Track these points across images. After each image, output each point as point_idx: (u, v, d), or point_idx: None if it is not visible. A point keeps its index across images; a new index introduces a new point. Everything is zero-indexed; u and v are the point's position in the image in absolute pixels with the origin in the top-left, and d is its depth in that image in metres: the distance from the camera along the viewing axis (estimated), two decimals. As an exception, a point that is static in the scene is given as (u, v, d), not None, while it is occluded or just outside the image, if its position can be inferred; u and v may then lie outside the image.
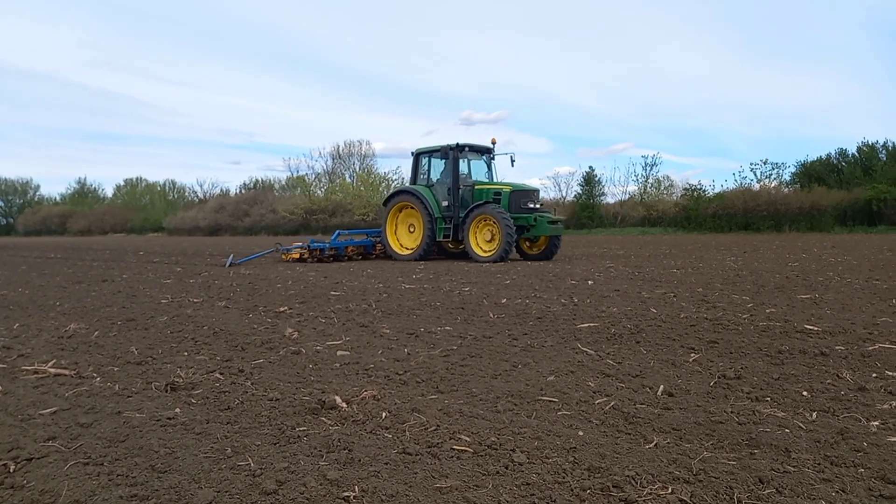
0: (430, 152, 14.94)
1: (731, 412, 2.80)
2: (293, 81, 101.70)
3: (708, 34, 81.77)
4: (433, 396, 3.18)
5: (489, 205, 13.41)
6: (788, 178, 37.89)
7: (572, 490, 2.06)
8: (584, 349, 4.21)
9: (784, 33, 77.76)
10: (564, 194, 44.85)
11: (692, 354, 4.00)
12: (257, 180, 63.65)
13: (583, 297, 6.87)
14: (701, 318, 5.31)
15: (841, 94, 69.09)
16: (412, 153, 15.33)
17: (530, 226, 13.52)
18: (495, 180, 14.98)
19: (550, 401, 3.04)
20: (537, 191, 14.54)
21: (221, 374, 3.72)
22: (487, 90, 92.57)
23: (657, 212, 38.27)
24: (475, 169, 14.92)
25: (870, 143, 36.98)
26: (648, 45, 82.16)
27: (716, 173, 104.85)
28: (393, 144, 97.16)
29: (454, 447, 2.45)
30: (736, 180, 38.99)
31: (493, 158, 15.33)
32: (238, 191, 63.06)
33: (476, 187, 14.21)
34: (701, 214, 34.94)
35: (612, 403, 2.97)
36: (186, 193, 70.12)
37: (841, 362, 3.70)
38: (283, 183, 60.31)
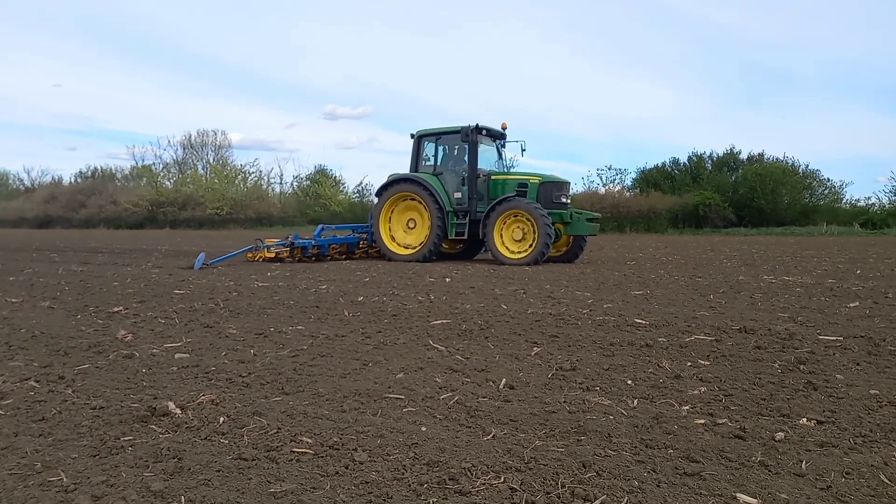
0: (439, 134, 12.80)
1: (564, 402, 2.98)
2: (141, 65, 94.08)
3: (563, 43, 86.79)
4: (277, 398, 3.08)
5: (519, 198, 11.65)
6: (630, 183, 41.20)
7: (410, 485, 2.08)
8: (436, 346, 4.29)
9: (629, 45, 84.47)
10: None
11: (535, 348, 4.21)
12: (96, 169, 58.42)
13: (439, 295, 7.00)
14: (546, 314, 5.61)
15: (676, 107, 76.23)
16: (412, 135, 13.02)
17: (565, 223, 11.92)
18: (504, 170, 13.24)
19: (397, 398, 3.06)
20: (568, 183, 12.58)
21: (37, 381, 3.35)
22: (352, 85, 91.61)
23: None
24: (484, 156, 12.73)
25: (698, 153, 41.11)
26: (511, 50, 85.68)
27: (567, 176, 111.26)
28: (251, 136, 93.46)
29: (294, 450, 2.39)
30: (584, 184, 41.68)
31: (503, 145, 13.44)
32: (73, 180, 57.45)
33: (493, 177, 12.44)
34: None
35: (457, 398, 3.05)
36: (11, 181, 62.73)
37: (662, 352, 4.07)
38: (127, 172, 55.85)
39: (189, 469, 2.22)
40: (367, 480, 2.12)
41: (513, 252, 11.62)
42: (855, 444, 2.42)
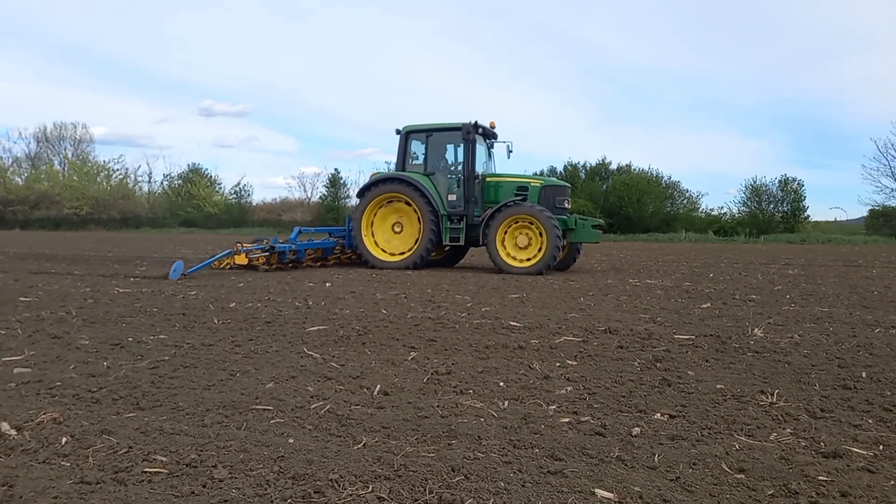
0: (430, 131, 11.84)
1: (437, 406, 2.99)
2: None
3: (450, 51, 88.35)
4: (131, 414, 2.84)
5: (525, 203, 11.01)
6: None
7: (272, 501, 1.99)
8: (310, 353, 4.16)
9: (512, 59, 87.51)
10: (310, 195, 44.65)
11: (412, 353, 4.20)
12: (-73, 162, 51.87)
13: (318, 300, 6.83)
14: (425, 318, 5.63)
15: (556, 117, 79.90)
16: (398, 131, 12.03)
17: (569, 230, 11.16)
18: (493, 171, 12.45)
19: (265, 409, 2.93)
20: (569, 187, 12.17)
21: None
22: (230, 81, 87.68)
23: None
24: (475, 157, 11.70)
25: (574, 163, 43.29)
26: (397, 56, 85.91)
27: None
28: (117, 130, 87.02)
29: (146, 470, 2.21)
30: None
31: (492, 146, 12.62)
32: None
33: (487, 179, 11.77)
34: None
35: (328, 407, 2.96)
36: None
37: (533, 354, 4.21)
38: (-32, 167, 50.10)
39: (21, 497, 1.99)
40: (225, 499, 2.00)
41: (517, 260, 10.90)
42: (702, 436, 2.61)
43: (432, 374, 3.64)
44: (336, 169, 55.48)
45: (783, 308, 6.66)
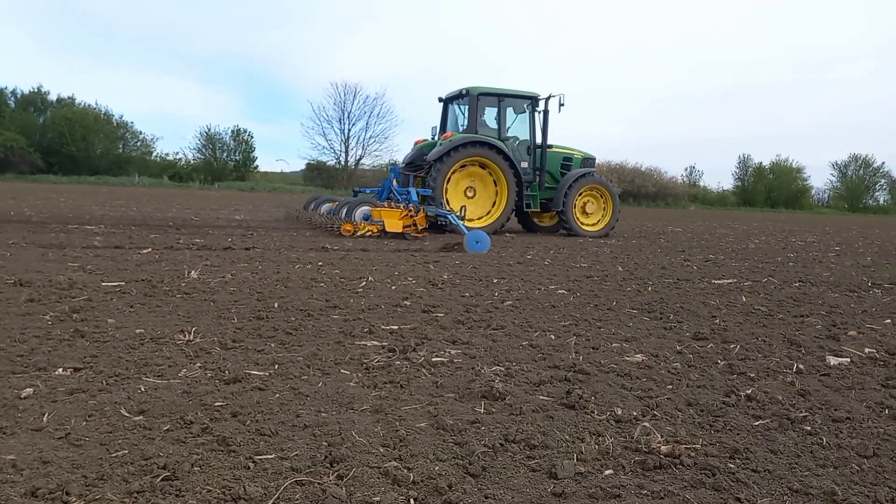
0: (502, 96, 11.92)
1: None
2: None
3: None
4: None
5: (594, 174, 12.47)
6: None
7: None
8: None
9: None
10: None
11: None
12: None
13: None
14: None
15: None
16: (464, 92, 11.84)
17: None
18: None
19: None
20: (595, 158, 13.48)
21: None
22: None
23: None
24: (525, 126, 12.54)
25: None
26: None
27: None
28: None
29: None
30: None
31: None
32: None
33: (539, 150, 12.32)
34: None
35: None
36: None
37: None
38: None
39: None
40: None
41: (587, 225, 12.38)
42: (107, 384, 2.45)
43: None
44: None
45: (221, 252, 7.02)
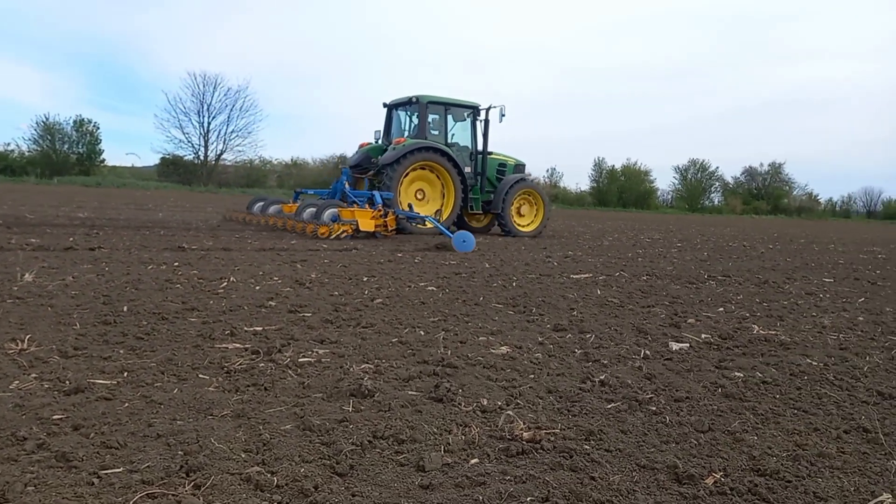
0: (448, 105, 12.54)
1: None
2: None
3: None
4: None
5: (528, 178, 13.58)
6: None
7: None
8: None
9: None
10: None
11: None
12: None
13: None
14: None
15: None
16: (413, 100, 12.24)
17: None
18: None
19: None
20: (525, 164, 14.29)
21: None
22: None
23: None
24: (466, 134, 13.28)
25: None
26: None
27: None
28: None
29: None
30: None
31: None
32: None
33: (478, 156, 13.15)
34: None
35: None
36: None
37: None
38: None
39: None
40: None
41: (522, 226, 13.15)
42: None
43: None
44: None
45: (61, 252, 6.39)
